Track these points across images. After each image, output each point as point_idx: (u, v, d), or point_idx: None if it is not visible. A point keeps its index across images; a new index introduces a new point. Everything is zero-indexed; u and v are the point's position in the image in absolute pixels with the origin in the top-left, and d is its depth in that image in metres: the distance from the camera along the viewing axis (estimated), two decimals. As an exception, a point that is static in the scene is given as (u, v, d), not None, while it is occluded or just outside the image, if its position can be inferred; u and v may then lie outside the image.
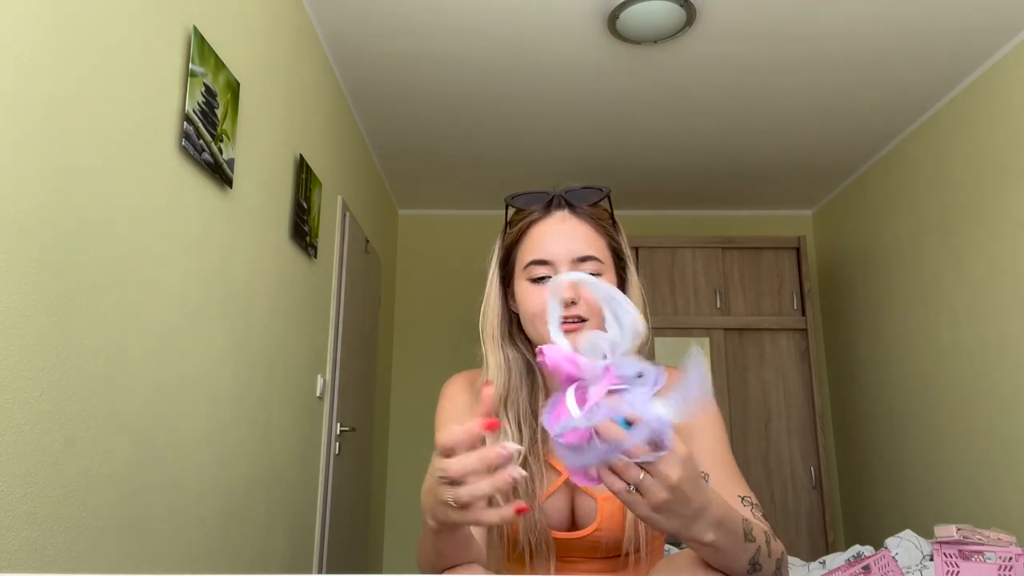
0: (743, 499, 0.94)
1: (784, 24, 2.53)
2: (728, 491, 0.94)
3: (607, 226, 1.05)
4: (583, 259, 1.00)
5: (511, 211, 1.08)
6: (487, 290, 1.08)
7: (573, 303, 0.97)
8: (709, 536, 0.72)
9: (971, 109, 2.92)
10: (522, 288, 1.02)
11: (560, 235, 1.01)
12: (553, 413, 0.66)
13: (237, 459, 1.89)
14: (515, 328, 1.08)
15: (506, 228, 1.08)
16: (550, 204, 1.04)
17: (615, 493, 0.66)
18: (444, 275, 4.44)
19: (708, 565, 0.82)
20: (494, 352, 1.05)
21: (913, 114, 3.24)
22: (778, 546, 0.86)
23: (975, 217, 2.90)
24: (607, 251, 1.04)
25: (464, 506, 0.66)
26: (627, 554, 0.99)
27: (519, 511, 0.65)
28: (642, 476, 0.65)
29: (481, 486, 0.64)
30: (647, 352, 1.07)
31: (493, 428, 0.65)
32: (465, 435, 0.65)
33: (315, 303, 2.61)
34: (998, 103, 2.75)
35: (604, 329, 0.68)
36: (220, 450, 1.78)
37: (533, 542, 0.97)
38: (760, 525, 0.87)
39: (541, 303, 0.98)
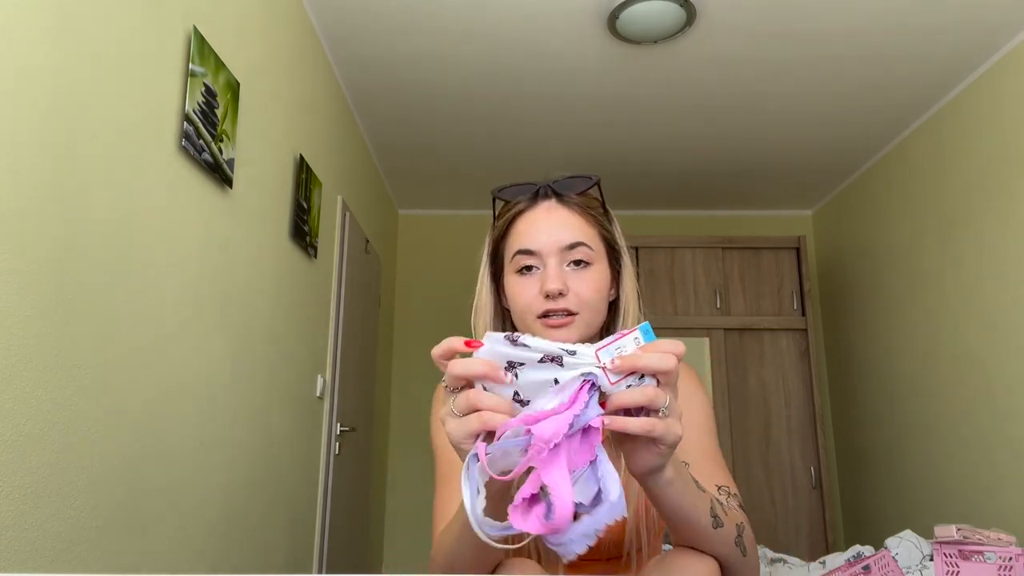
0: (720, 488, 0.92)
1: (784, 24, 2.53)
2: (706, 479, 0.92)
3: (598, 215, 1.01)
4: (571, 246, 0.95)
5: (499, 204, 1.04)
6: (478, 287, 1.05)
7: (561, 295, 0.93)
8: (670, 472, 0.71)
9: (971, 109, 2.92)
10: (510, 282, 0.99)
11: (546, 224, 0.97)
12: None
13: (237, 459, 1.89)
14: (508, 325, 1.04)
15: (494, 222, 1.05)
16: (537, 195, 1.00)
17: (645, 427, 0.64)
18: (444, 275, 4.44)
19: (695, 552, 0.81)
20: None
21: (913, 114, 3.24)
22: (738, 514, 0.85)
23: (975, 217, 2.90)
24: (599, 240, 0.99)
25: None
26: (628, 555, 0.98)
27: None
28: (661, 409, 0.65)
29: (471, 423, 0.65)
30: None
31: (472, 344, 0.66)
32: (483, 370, 0.65)
33: (315, 303, 2.61)
34: (998, 103, 2.75)
35: (594, 350, 0.65)
36: (220, 449, 1.78)
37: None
38: (712, 490, 0.88)
39: (529, 296, 0.96)
